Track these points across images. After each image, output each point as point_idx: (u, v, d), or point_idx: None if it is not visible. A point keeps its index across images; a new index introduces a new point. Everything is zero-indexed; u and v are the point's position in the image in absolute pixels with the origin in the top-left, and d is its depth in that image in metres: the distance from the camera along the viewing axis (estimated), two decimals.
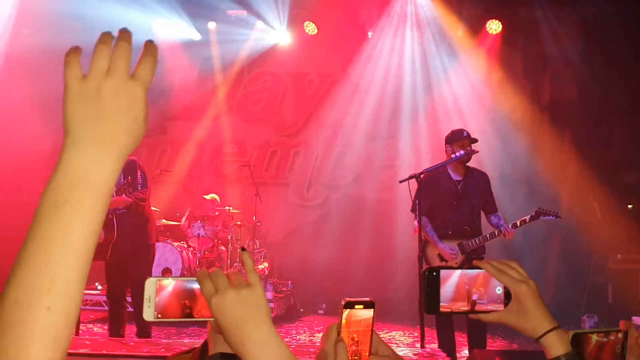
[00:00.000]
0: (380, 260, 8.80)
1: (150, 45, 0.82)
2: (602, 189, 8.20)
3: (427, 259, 5.16)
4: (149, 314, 0.98)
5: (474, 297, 1.12)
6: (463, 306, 1.12)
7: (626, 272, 7.38)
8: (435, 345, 5.22)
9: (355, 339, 1.02)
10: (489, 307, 1.13)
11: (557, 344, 1.09)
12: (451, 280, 1.12)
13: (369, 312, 1.02)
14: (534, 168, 8.71)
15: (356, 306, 1.01)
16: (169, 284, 1.00)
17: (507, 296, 1.13)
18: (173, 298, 0.99)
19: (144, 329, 5.39)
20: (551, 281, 8.08)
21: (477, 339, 4.98)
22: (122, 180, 5.24)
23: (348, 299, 1.01)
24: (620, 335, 1.19)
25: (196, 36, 9.81)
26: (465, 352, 5.28)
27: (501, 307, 1.13)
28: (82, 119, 0.76)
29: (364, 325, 1.02)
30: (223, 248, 8.26)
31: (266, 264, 8.63)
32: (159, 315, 0.98)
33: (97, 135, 0.76)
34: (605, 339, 1.17)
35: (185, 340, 5.78)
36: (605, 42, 8.34)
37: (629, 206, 8.32)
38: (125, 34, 0.80)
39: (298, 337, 6.79)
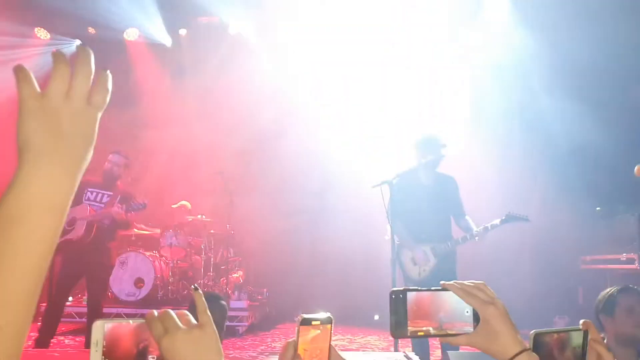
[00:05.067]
0: (354, 265, 8.82)
1: (103, 74, 0.82)
2: (571, 193, 8.34)
3: (401, 262, 5.19)
4: (96, 359, 0.94)
5: (442, 319, 1.10)
6: (431, 328, 1.09)
7: (595, 273, 7.52)
8: (409, 349, 5.24)
9: (313, 355, 1.01)
10: (457, 330, 1.10)
11: None
12: (418, 302, 1.09)
13: (326, 327, 1.01)
14: (505, 173, 8.82)
15: (313, 322, 1.00)
16: (118, 326, 0.96)
17: (476, 318, 1.10)
18: (122, 341, 0.96)
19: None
20: (523, 284, 8.18)
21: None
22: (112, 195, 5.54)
23: (304, 315, 1.00)
24: (580, 334, 1.19)
25: (168, 42, 9.76)
26: (439, 354, 5.32)
27: (470, 329, 1.10)
28: (40, 137, 0.75)
29: (321, 340, 1.01)
30: (198, 257, 8.19)
31: (241, 272, 8.60)
32: None
33: (55, 156, 0.75)
34: (566, 339, 1.18)
35: None
36: (574, 45, 8.50)
37: (597, 209, 8.46)
38: (87, 56, 0.80)
39: (274, 344, 6.77)
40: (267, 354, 5.37)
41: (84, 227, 5.40)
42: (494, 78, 9.15)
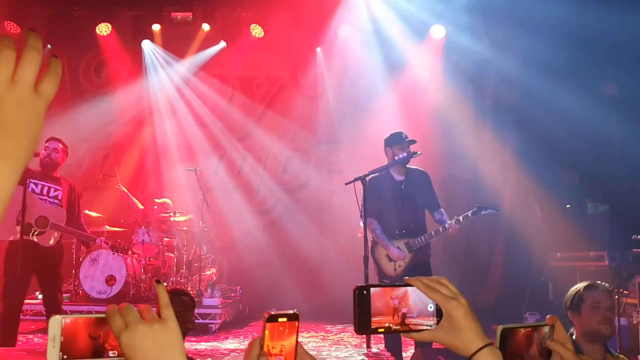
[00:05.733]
0: (329, 263, 8.84)
1: (54, 62, 0.76)
2: (542, 190, 8.46)
3: (376, 259, 5.23)
4: (52, 355, 0.91)
5: (405, 314, 1.09)
6: (395, 324, 1.09)
7: (565, 270, 7.62)
8: (382, 346, 5.27)
9: (280, 352, 1.00)
10: (421, 325, 1.10)
11: None
12: (382, 298, 1.08)
13: (293, 324, 1.01)
14: (477, 170, 8.90)
15: (279, 319, 0.99)
16: (76, 321, 0.94)
17: (439, 313, 1.10)
18: (80, 336, 0.93)
19: None
20: (495, 280, 8.28)
21: None
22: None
23: (271, 312, 0.99)
24: (547, 329, 1.21)
25: (141, 38, 9.65)
26: (412, 351, 5.34)
27: (433, 324, 1.10)
28: None
29: (288, 337, 1.01)
30: (171, 255, 8.12)
31: (214, 270, 8.54)
32: (65, 357, 0.92)
33: None
34: (533, 333, 1.20)
35: None
36: (546, 47, 8.61)
37: (567, 206, 8.60)
38: (35, 41, 0.73)
39: (246, 342, 6.74)
40: (239, 351, 5.34)
41: (57, 239, 5.32)
42: (465, 73, 9.23)
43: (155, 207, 8.28)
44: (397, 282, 1.13)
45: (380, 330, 1.08)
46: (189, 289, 7.79)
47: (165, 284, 1.00)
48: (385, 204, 5.23)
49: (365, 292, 1.08)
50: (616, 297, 4.69)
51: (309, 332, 7.29)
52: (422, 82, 9.41)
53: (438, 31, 9.26)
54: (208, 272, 8.34)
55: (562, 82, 8.46)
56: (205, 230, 8.28)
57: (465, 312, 1.08)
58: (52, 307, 5.35)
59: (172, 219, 8.16)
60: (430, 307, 1.11)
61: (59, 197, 5.43)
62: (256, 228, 9.57)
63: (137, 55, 9.72)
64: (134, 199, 8.20)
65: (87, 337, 0.94)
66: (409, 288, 1.11)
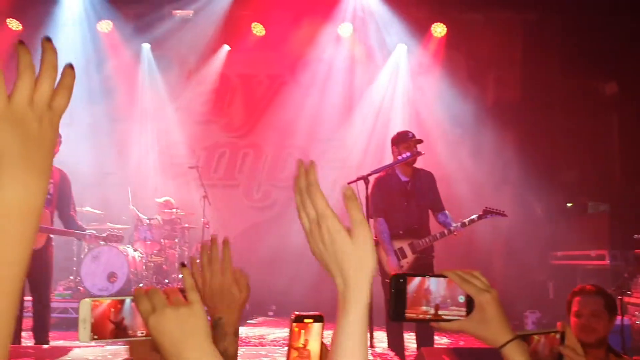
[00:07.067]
0: None
1: (68, 75, 0.78)
2: (543, 189, 8.46)
3: (379, 258, 5.20)
4: (84, 336, 0.96)
5: (438, 304, 1.13)
6: (427, 313, 1.12)
7: (566, 269, 7.64)
8: (384, 345, 5.28)
9: (305, 352, 1.03)
10: (452, 315, 1.13)
11: (517, 353, 1.11)
12: (416, 287, 1.12)
13: (319, 325, 1.04)
14: (478, 169, 8.90)
15: (305, 320, 1.03)
16: (105, 303, 0.99)
17: (469, 305, 1.13)
18: (109, 318, 0.99)
19: (41, 339, 5.20)
20: (495, 278, 8.28)
21: (425, 337, 5.05)
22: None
23: (297, 313, 1.03)
24: (558, 335, 1.24)
25: (142, 36, 9.64)
26: (414, 349, 5.35)
27: (463, 315, 1.14)
28: (9, 144, 0.72)
29: (313, 338, 1.04)
30: (173, 251, 8.13)
31: None
32: (95, 337, 0.97)
33: (25, 162, 0.72)
34: (545, 339, 1.23)
35: None
36: (545, 46, 8.61)
37: (568, 205, 8.60)
38: (52, 57, 0.75)
39: (247, 339, 6.75)
40: (241, 352, 5.35)
41: (45, 240, 5.08)
42: (464, 74, 9.22)
43: (158, 206, 8.31)
44: None
45: (412, 318, 1.12)
46: None
47: (185, 265, 1.05)
48: (391, 204, 5.21)
49: (401, 280, 1.12)
50: (619, 297, 4.68)
51: None
52: (422, 80, 9.41)
53: (439, 29, 9.25)
54: None
55: (562, 77, 8.46)
56: (207, 227, 8.30)
57: (496, 304, 1.13)
58: (38, 314, 5.18)
59: (172, 216, 8.18)
60: (461, 299, 1.15)
61: (50, 192, 5.15)
62: (257, 225, 9.58)
63: (138, 52, 9.71)
64: (140, 214, 8.18)
65: (115, 318, 0.99)
66: (440, 279, 1.14)
